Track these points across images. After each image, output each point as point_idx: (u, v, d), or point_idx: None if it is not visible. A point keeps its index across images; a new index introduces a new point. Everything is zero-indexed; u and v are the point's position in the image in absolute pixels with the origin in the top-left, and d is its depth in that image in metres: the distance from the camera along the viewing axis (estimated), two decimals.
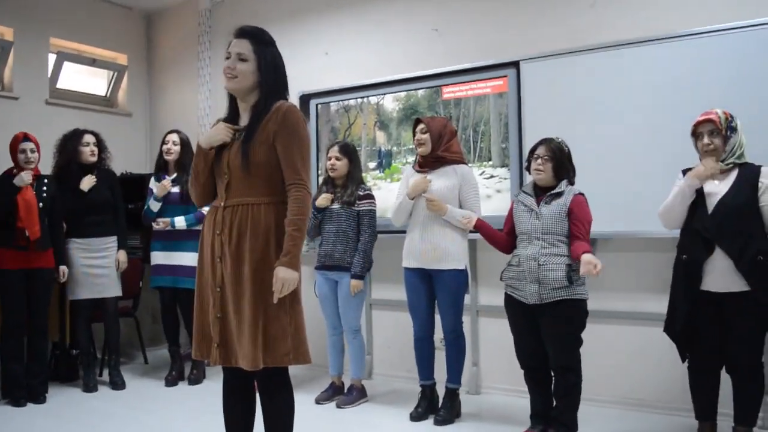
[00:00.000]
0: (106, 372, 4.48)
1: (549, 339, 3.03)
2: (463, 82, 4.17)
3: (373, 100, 4.56)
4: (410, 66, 4.42)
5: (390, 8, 4.62)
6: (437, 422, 3.51)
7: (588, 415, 3.31)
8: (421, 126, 3.56)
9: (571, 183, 3.12)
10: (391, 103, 4.49)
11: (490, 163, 4.08)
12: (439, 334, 3.63)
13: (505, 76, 4.01)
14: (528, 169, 3.21)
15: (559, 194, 3.05)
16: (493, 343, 4.10)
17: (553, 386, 3.11)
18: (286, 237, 2.22)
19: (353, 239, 3.84)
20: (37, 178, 4.05)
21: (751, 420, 2.87)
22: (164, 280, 4.40)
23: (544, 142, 3.13)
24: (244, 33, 2.33)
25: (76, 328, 4.37)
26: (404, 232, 3.67)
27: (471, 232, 3.51)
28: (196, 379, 4.43)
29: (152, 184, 4.47)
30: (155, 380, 4.53)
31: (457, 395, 3.62)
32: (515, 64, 3.97)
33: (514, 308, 3.16)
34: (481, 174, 4.05)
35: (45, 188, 4.05)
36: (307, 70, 4.77)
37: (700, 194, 2.88)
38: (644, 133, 3.55)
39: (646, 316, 3.61)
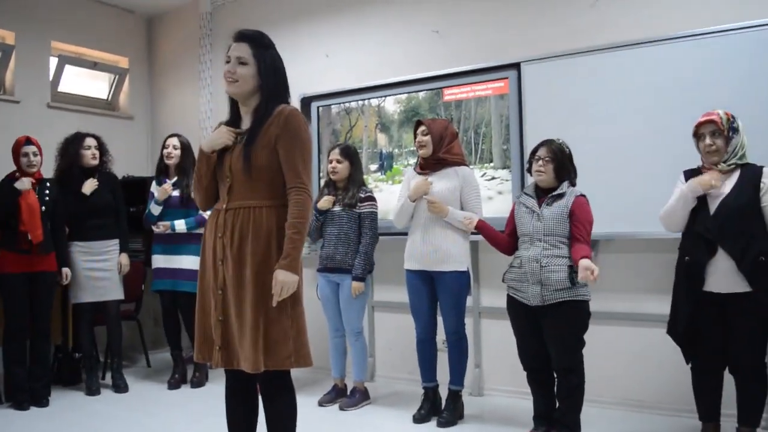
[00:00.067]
0: (108, 375, 4.48)
1: (551, 340, 3.02)
2: (464, 84, 4.17)
3: (374, 102, 4.56)
4: (411, 68, 4.42)
5: (390, 10, 4.63)
6: (440, 424, 3.51)
7: (591, 416, 3.31)
8: (422, 128, 3.56)
9: (573, 184, 3.12)
10: (392, 105, 4.49)
11: (492, 164, 4.08)
12: (441, 336, 3.63)
13: (506, 78, 4.01)
14: (529, 170, 3.21)
15: (561, 196, 3.05)
16: (495, 345, 4.10)
17: (555, 388, 3.11)
18: (286, 240, 2.22)
19: (355, 241, 3.84)
20: (40, 181, 4.05)
21: (755, 420, 2.87)
22: (164, 284, 4.41)
23: (546, 143, 3.13)
24: (243, 37, 2.33)
25: (79, 331, 4.37)
26: (406, 234, 3.67)
27: (472, 233, 3.51)
28: (199, 382, 4.44)
29: (153, 187, 4.48)
30: (158, 383, 4.53)
31: (459, 397, 3.62)
32: (516, 66, 3.97)
33: (516, 310, 3.16)
34: (482, 176, 4.05)
35: (47, 192, 4.06)
36: (308, 72, 4.78)
37: (701, 195, 2.87)
38: (646, 134, 3.55)
39: (648, 317, 3.60)
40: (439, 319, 3.60)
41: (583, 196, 3.07)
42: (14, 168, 4.01)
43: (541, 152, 3.11)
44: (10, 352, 3.93)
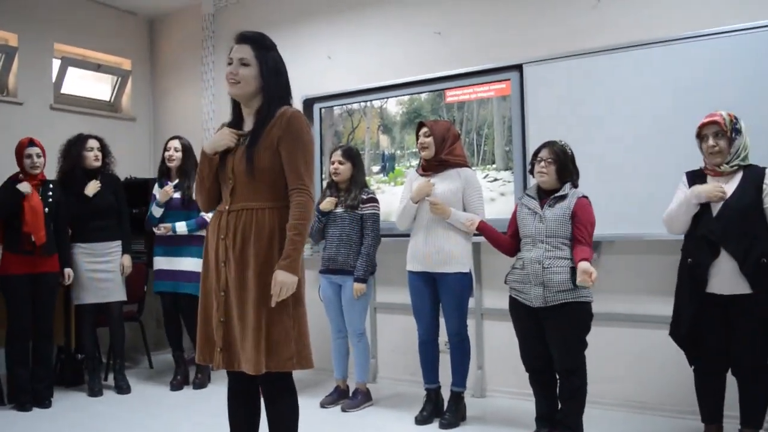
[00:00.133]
0: (111, 376, 4.49)
1: (553, 342, 3.02)
2: (466, 86, 4.17)
3: (377, 103, 4.56)
4: (413, 70, 4.42)
5: (392, 12, 4.63)
6: (442, 426, 3.51)
7: (593, 417, 3.31)
8: (424, 129, 3.57)
9: (575, 186, 3.12)
10: (394, 106, 4.49)
11: (494, 166, 4.08)
12: (443, 338, 3.63)
13: (508, 79, 4.01)
14: (531, 172, 3.21)
15: (563, 197, 3.05)
16: (497, 346, 4.09)
17: (558, 389, 3.10)
18: (287, 241, 2.23)
19: (357, 243, 3.84)
20: (43, 183, 4.06)
21: (757, 422, 2.87)
22: (165, 285, 4.42)
23: (548, 145, 3.13)
24: (245, 38, 2.34)
25: (81, 332, 4.37)
26: (408, 235, 3.67)
27: (475, 235, 3.51)
28: (201, 383, 4.44)
29: (155, 190, 4.49)
30: (160, 385, 4.53)
31: (462, 398, 3.61)
32: (518, 67, 3.97)
33: (518, 311, 3.15)
34: (484, 177, 4.05)
35: (50, 193, 4.07)
36: (311, 74, 4.78)
37: None
38: (648, 136, 3.55)
39: (650, 319, 3.60)
40: (442, 321, 3.60)
41: (586, 197, 3.06)
42: (17, 170, 4.02)
43: (544, 153, 3.11)
44: (13, 353, 3.94)
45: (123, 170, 4.89)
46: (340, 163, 3.89)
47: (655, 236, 3.45)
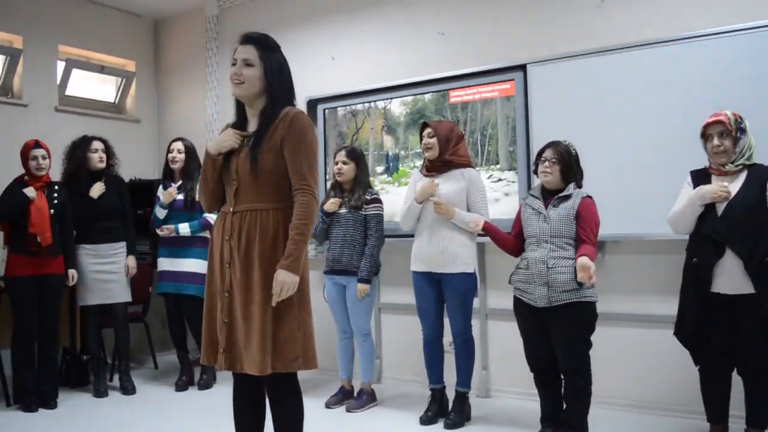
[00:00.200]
0: (116, 377, 4.50)
1: (558, 342, 3.02)
2: (470, 86, 4.17)
3: (380, 104, 4.56)
4: (417, 70, 4.42)
5: (396, 13, 4.63)
6: (447, 426, 3.51)
7: (598, 417, 3.31)
8: (428, 130, 3.57)
9: (579, 186, 3.12)
10: (398, 107, 4.50)
11: (498, 166, 4.08)
12: (448, 338, 3.63)
13: (512, 80, 4.01)
14: (536, 172, 3.21)
15: (567, 197, 3.05)
16: (502, 347, 4.09)
17: (562, 389, 3.10)
18: (289, 241, 2.22)
19: (361, 243, 3.85)
20: (48, 184, 4.07)
21: (763, 422, 2.86)
22: (168, 286, 4.43)
23: (552, 145, 3.13)
24: (249, 39, 2.34)
25: (87, 333, 4.39)
26: (412, 236, 3.67)
27: (479, 235, 3.51)
28: (206, 384, 4.44)
29: (160, 191, 4.50)
30: (165, 385, 4.54)
31: (466, 399, 3.61)
32: (522, 67, 3.97)
33: (523, 311, 3.15)
34: (488, 177, 4.05)
35: (56, 195, 4.08)
36: (314, 75, 4.79)
37: None
38: (652, 136, 3.54)
39: (655, 319, 3.59)
40: (446, 321, 3.60)
41: (590, 197, 3.06)
42: (23, 171, 4.03)
43: (548, 154, 3.11)
44: (19, 354, 3.94)
45: (127, 172, 4.91)
46: (344, 163, 3.90)
47: (660, 236, 3.44)
